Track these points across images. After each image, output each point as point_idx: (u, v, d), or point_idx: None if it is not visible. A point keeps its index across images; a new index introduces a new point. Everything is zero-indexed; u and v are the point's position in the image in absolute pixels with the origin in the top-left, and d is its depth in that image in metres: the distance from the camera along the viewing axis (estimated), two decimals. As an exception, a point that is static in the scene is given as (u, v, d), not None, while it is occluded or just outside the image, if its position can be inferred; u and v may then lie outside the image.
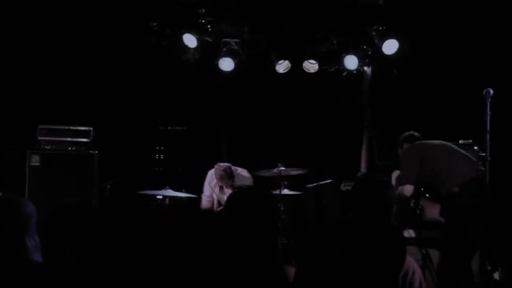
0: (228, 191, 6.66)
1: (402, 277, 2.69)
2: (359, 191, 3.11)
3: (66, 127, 6.76)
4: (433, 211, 5.18)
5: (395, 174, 6.04)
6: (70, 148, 6.73)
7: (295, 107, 7.96)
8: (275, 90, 7.84)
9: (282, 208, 6.35)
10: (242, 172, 6.85)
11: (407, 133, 5.56)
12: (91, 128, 6.81)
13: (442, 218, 5.06)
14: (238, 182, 6.65)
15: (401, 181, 5.17)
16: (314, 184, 6.81)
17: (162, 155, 7.63)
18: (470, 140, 6.21)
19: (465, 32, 6.80)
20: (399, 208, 5.79)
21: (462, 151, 5.23)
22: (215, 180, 6.76)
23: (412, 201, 5.34)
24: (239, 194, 2.69)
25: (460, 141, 6.23)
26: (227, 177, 6.61)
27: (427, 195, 5.32)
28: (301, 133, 7.96)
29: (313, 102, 7.94)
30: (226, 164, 6.72)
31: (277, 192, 6.39)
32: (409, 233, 5.61)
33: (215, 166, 6.68)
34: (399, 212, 5.83)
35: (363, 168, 7.28)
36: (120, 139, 7.47)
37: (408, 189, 5.07)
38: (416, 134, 5.52)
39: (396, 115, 7.37)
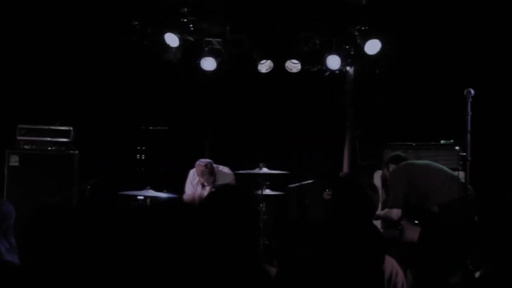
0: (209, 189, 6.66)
1: (387, 280, 2.71)
2: (344, 192, 3.06)
3: (46, 127, 6.69)
4: (413, 234, 5.10)
5: (378, 174, 6.05)
6: (50, 148, 6.66)
7: (278, 107, 7.96)
8: (257, 90, 7.83)
9: (264, 209, 6.36)
10: (224, 169, 6.82)
11: (393, 154, 5.56)
12: (71, 128, 6.75)
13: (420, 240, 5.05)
14: (219, 180, 6.63)
15: (388, 204, 5.14)
16: (296, 184, 6.83)
17: (143, 155, 7.58)
18: (452, 140, 6.27)
19: (447, 32, 6.83)
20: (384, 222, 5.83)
21: (449, 171, 5.21)
22: (197, 179, 6.73)
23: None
24: (217, 192, 2.63)
25: (442, 141, 6.36)
26: (208, 172, 6.60)
27: (409, 217, 5.23)
28: (284, 133, 7.97)
29: (296, 102, 7.95)
30: (208, 160, 6.71)
31: (259, 192, 6.39)
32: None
33: (197, 163, 6.65)
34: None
35: (346, 168, 7.29)
36: (101, 139, 7.42)
37: (396, 213, 5.08)
38: (402, 155, 5.52)
39: (379, 115, 7.41)
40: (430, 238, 4.91)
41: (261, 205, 6.38)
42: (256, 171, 6.49)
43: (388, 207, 5.11)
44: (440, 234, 4.86)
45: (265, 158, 6.74)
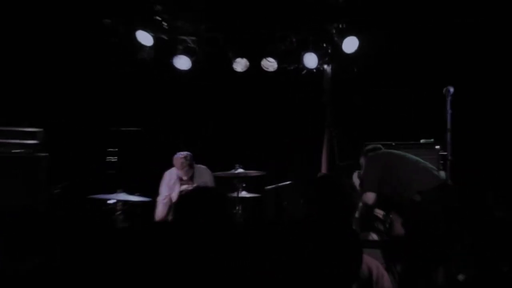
0: (188, 187, 6.64)
1: (374, 283, 2.77)
2: (324, 190, 3.09)
3: (13, 129, 6.49)
4: (401, 227, 5.11)
5: (356, 174, 5.95)
6: (17, 151, 6.46)
7: (254, 107, 7.98)
8: (233, 90, 7.86)
9: (240, 211, 6.30)
10: (201, 167, 6.82)
11: (371, 146, 5.60)
12: (40, 130, 6.56)
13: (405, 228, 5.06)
14: (198, 176, 6.63)
15: (362, 188, 5.18)
16: (273, 185, 6.80)
17: (115, 157, 7.43)
18: (432, 139, 6.27)
19: (425, 30, 6.88)
20: (363, 214, 5.77)
21: (424, 162, 5.24)
22: (173, 180, 6.69)
23: (382, 214, 5.31)
24: (188, 195, 2.64)
25: (422, 140, 6.37)
26: (188, 164, 6.56)
27: (396, 207, 5.22)
28: (260, 134, 8.00)
29: (272, 101, 7.97)
30: (186, 152, 6.66)
31: (234, 194, 6.35)
32: (372, 236, 5.57)
33: (175, 156, 6.61)
34: (363, 218, 5.83)
35: (324, 168, 7.28)
36: (71, 140, 7.32)
37: (369, 197, 5.08)
38: (379, 146, 5.55)
39: (358, 114, 7.44)
40: (414, 230, 4.90)
41: (237, 208, 6.30)
42: (232, 172, 6.43)
43: (362, 191, 5.12)
44: (424, 224, 4.84)
45: (241, 159, 6.70)
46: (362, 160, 5.51)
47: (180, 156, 6.57)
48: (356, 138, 6.93)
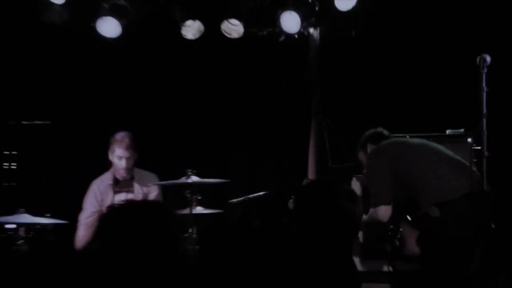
0: (134, 191, 6.81)
1: None
2: (312, 204, 3.12)
3: None
4: (415, 243, 5.18)
5: (357, 181, 6.17)
6: None
7: (211, 89, 8.00)
8: (182, 64, 7.86)
9: (194, 235, 6.28)
10: (149, 173, 6.99)
11: (371, 131, 5.66)
12: None
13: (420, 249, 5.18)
14: (140, 181, 6.83)
15: (372, 201, 5.24)
16: (241, 198, 6.75)
17: (14, 164, 7.33)
18: (462, 129, 6.28)
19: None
20: (368, 234, 5.98)
21: (452, 155, 5.28)
22: (104, 188, 6.86)
23: (389, 226, 5.38)
24: (116, 211, 2.61)
25: (448, 131, 6.34)
26: (133, 147, 6.76)
27: (409, 218, 5.31)
28: (221, 127, 8.02)
29: (237, 80, 7.98)
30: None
31: (186, 211, 6.34)
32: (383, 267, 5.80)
33: (116, 136, 6.77)
34: (368, 239, 6.02)
35: (311, 172, 7.28)
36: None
37: (383, 212, 5.17)
38: (385, 132, 5.62)
39: (356, 97, 7.47)
40: (432, 260, 4.97)
41: (190, 231, 6.28)
42: (183, 181, 6.41)
43: (372, 206, 5.21)
44: (445, 252, 4.90)
45: (195, 163, 6.70)
46: (362, 157, 5.61)
47: (123, 135, 6.76)
48: (355, 131, 6.88)
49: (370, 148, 5.53)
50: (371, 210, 5.24)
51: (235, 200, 6.81)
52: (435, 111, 6.88)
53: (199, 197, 6.50)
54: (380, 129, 5.69)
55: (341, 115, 7.45)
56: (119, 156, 6.76)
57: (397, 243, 5.31)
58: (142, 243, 2.48)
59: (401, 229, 5.27)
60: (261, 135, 7.93)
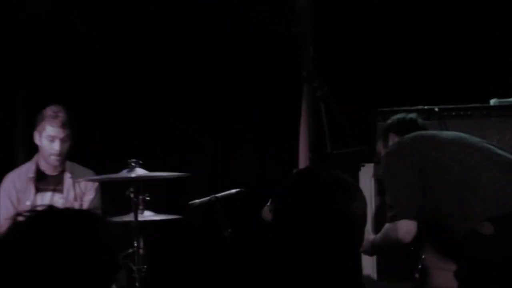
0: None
1: None
2: (304, 199, 3.11)
3: None
4: (445, 278, 5.23)
5: (367, 170, 6.29)
6: None
7: (163, 48, 8.09)
8: (122, 20, 8.04)
9: (141, 251, 6.33)
10: (86, 169, 7.16)
11: (400, 116, 5.76)
12: None
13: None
14: (76, 174, 6.96)
15: (389, 214, 5.32)
16: (206, 198, 6.72)
17: None
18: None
19: None
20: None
21: (502, 152, 5.29)
22: (21, 185, 6.96)
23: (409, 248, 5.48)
24: (30, 221, 2.62)
25: (492, 101, 6.42)
26: (70, 126, 6.88)
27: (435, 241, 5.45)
28: (177, 100, 8.11)
29: (200, 38, 8.08)
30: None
31: (128, 218, 6.37)
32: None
33: (47, 111, 6.88)
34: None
35: (303, 160, 7.17)
36: None
37: (405, 229, 5.19)
38: (419, 120, 5.70)
39: (364, 57, 7.59)
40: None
41: (135, 245, 6.30)
42: (123, 175, 6.44)
43: (389, 219, 5.27)
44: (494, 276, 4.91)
45: (140, 151, 6.88)
46: (380, 149, 5.70)
47: (56, 109, 6.89)
48: (362, 102, 7.25)
49: (393, 139, 5.58)
50: (388, 225, 5.28)
51: (197, 201, 6.75)
52: (474, 74, 6.96)
53: (147, 198, 6.53)
54: (413, 115, 5.74)
55: (343, 81, 7.49)
56: (50, 136, 6.83)
57: (417, 275, 5.42)
58: (62, 271, 2.51)
59: (423, 257, 5.38)
60: (233, 111, 8.04)
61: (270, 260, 3.18)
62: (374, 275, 6.19)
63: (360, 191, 3.15)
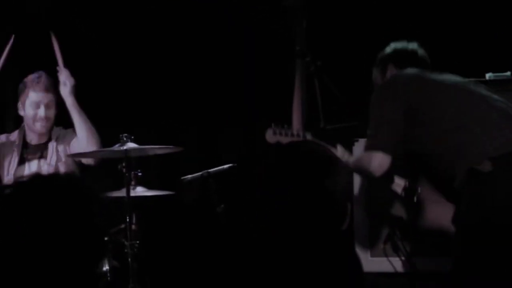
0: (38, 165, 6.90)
1: None
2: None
3: None
4: (440, 212, 5.25)
5: (360, 146, 6.13)
6: None
7: (150, 16, 8.10)
8: (124, 21, 8.09)
9: (133, 227, 6.31)
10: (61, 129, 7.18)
11: (398, 47, 5.72)
12: None
13: (454, 227, 5.15)
14: (64, 138, 6.97)
15: (367, 141, 5.39)
16: (198, 173, 6.75)
17: None
18: (508, 73, 6.32)
19: None
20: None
21: (496, 97, 5.26)
22: (6, 150, 6.99)
23: (402, 185, 5.44)
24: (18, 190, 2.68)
25: (488, 75, 6.36)
26: (54, 90, 6.88)
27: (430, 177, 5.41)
28: (169, 74, 8.12)
29: (191, 14, 8.09)
30: None
31: (120, 193, 6.38)
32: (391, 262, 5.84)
33: (29, 77, 6.92)
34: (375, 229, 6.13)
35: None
36: None
37: (378, 161, 5.21)
38: (421, 52, 5.65)
39: (360, 29, 7.61)
40: (476, 229, 4.92)
41: (127, 221, 6.28)
42: (116, 148, 6.42)
43: (366, 148, 5.31)
44: (498, 223, 4.86)
45: (131, 126, 6.91)
46: (377, 78, 5.69)
47: (38, 75, 6.89)
48: (357, 77, 7.10)
49: (391, 71, 5.57)
50: (363, 154, 5.34)
51: (189, 176, 6.82)
52: (470, 48, 6.98)
53: (140, 173, 6.60)
54: (414, 45, 5.68)
55: (337, 55, 7.49)
56: (35, 102, 6.84)
57: (412, 206, 5.44)
58: (48, 241, 2.54)
59: (419, 191, 5.37)
60: (225, 86, 8.06)
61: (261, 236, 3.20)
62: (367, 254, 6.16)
63: (339, 167, 3.26)
